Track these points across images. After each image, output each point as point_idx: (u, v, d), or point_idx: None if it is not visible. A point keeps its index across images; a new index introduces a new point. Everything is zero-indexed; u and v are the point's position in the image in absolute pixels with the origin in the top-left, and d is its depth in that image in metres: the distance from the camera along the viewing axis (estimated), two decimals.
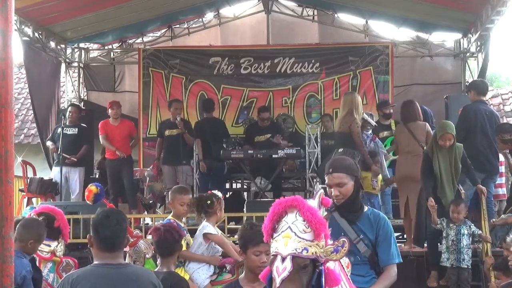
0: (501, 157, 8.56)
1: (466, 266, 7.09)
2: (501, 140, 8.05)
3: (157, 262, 4.92)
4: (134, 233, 6.25)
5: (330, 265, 2.87)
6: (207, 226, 5.88)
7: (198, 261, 5.85)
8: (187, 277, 5.60)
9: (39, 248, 4.93)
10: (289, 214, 2.79)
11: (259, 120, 10.56)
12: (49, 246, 5.22)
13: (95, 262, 3.39)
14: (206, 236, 5.87)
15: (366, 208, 4.03)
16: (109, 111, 10.33)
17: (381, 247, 3.93)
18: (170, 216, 6.10)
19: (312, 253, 2.72)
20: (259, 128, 10.46)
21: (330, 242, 2.76)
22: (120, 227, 3.37)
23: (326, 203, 2.97)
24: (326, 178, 4.02)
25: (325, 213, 2.95)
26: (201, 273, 5.76)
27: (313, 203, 2.87)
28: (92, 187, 6.00)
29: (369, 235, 3.93)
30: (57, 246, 5.04)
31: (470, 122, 8.19)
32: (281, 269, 2.73)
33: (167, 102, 11.18)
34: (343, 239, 2.77)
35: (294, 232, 2.75)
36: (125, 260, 3.86)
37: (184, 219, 8.24)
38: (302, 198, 2.82)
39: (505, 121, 13.18)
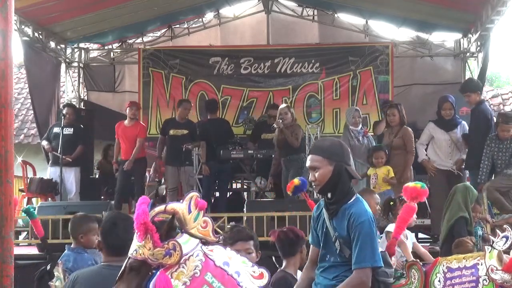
0: None
1: None
2: None
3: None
4: None
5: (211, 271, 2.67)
6: (390, 225, 5.96)
7: None
8: None
9: None
10: None
11: (268, 117, 10.34)
12: None
13: (102, 263, 3.47)
14: (387, 234, 5.92)
15: (351, 200, 3.47)
16: (127, 110, 10.22)
17: (353, 248, 3.37)
18: None
19: (140, 254, 2.69)
20: (268, 126, 10.15)
21: (160, 245, 2.68)
22: (127, 235, 3.28)
23: (202, 206, 2.80)
24: None
25: (202, 217, 2.76)
26: None
27: (179, 206, 2.75)
28: (296, 180, 6.15)
29: (341, 232, 3.42)
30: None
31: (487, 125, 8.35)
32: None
33: (177, 101, 10.96)
34: (173, 241, 2.65)
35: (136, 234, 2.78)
36: None
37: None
38: (143, 200, 2.73)
39: None
